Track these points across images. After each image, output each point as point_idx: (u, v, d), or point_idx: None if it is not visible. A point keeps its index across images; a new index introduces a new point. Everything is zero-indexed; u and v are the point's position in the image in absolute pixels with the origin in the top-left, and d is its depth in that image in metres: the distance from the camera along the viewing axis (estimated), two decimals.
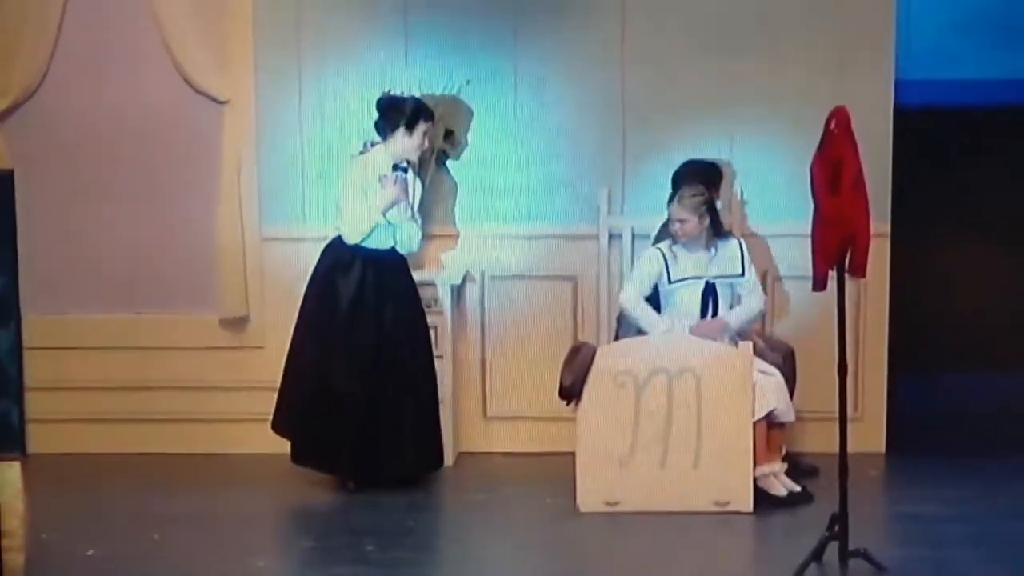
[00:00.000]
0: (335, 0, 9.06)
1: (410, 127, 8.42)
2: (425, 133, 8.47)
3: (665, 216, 8.44)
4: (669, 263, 8.30)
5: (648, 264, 8.35)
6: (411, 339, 8.52)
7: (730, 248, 8.39)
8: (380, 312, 8.41)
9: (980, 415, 9.90)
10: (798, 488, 8.21)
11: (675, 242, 8.32)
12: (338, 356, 8.38)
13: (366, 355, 8.37)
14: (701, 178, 8.55)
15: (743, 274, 8.39)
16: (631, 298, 8.35)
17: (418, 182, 8.65)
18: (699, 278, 8.32)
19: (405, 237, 8.53)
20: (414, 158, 8.54)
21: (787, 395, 8.27)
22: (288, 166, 9.14)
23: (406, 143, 8.44)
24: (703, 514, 7.99)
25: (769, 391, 8.15)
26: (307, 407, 8.45)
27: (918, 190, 9.72)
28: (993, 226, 10.70)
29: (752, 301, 8.42)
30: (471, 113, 9.04)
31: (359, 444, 8.39)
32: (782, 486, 8.20)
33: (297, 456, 8.57)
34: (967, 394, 10.25)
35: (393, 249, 8.53)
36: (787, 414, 8.25)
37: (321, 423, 8.39)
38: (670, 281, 8.31)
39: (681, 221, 8.29)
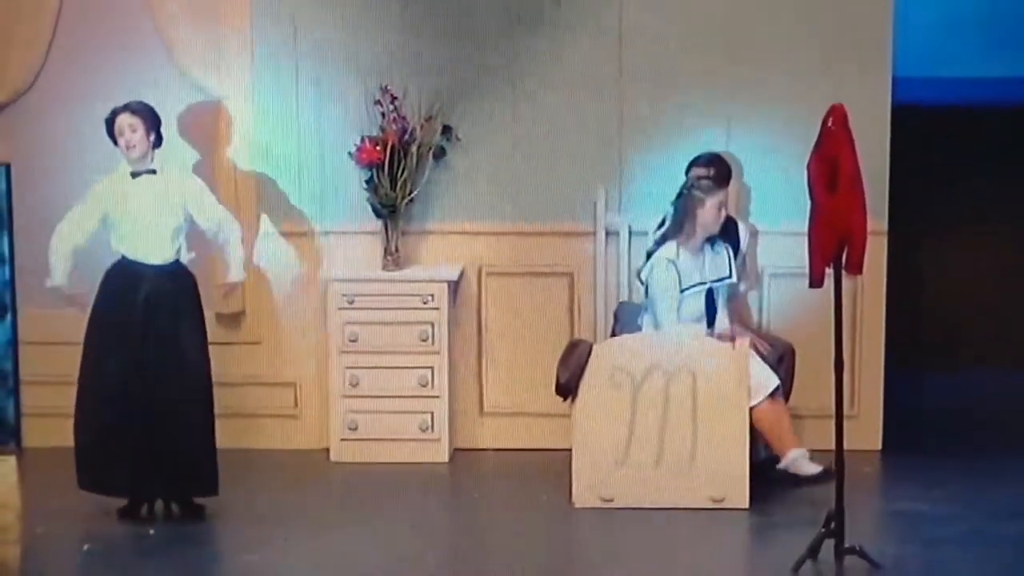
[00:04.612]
0: None
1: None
2: (122, 136, 7.97)
3: (660, 215, 8.42)
4: (681, 271, 8.23)
5: (667, 280, 8.19)
6: (176, 351, 8.01)
7: (717, 251, 8.37)
8: (140, 325, 7.95)
9: (976, 413, 9.88)
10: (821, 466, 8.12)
11: (687, 239, 8.26)
12: (98, 377, 8.04)
13: (125, 371, 7.96)
14: (716, 170, 8.58)
15: (731, 276, 8.38)
16: (673, 328, 8.18)
17: (186, 181, 8.14)
18: (703, 284, 8.30)
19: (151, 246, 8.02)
20: (133, 164, 8.02)
21: (762, 363, 8.21)
22: (285, 161, 9.12)
23: None
24: (699, 510, 8.00)
25: (759, 372, 8.12)
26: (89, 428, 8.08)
27: (915, 188, 9.71)
28: (989, 224, 10.69)
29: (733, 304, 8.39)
30: (469, 109, 9.03)
31: (129, 464, 7.98)
32: (812, 465, 8.08)
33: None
34: (963, 392, 10.23)
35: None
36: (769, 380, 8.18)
37: (99, 444, 8.03)
38: (682, 290, 8.25)
39: (709, 210, 8.22)
